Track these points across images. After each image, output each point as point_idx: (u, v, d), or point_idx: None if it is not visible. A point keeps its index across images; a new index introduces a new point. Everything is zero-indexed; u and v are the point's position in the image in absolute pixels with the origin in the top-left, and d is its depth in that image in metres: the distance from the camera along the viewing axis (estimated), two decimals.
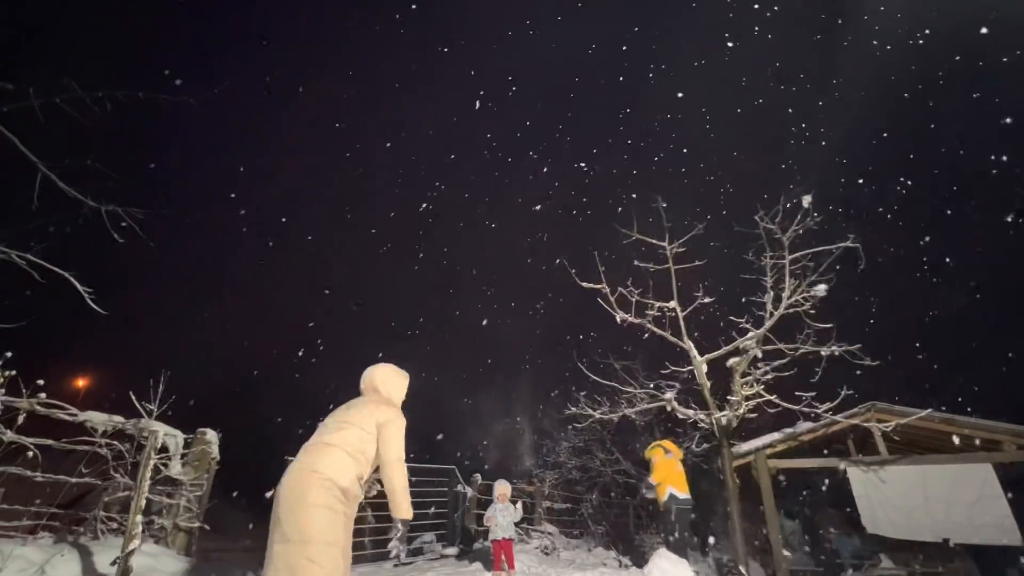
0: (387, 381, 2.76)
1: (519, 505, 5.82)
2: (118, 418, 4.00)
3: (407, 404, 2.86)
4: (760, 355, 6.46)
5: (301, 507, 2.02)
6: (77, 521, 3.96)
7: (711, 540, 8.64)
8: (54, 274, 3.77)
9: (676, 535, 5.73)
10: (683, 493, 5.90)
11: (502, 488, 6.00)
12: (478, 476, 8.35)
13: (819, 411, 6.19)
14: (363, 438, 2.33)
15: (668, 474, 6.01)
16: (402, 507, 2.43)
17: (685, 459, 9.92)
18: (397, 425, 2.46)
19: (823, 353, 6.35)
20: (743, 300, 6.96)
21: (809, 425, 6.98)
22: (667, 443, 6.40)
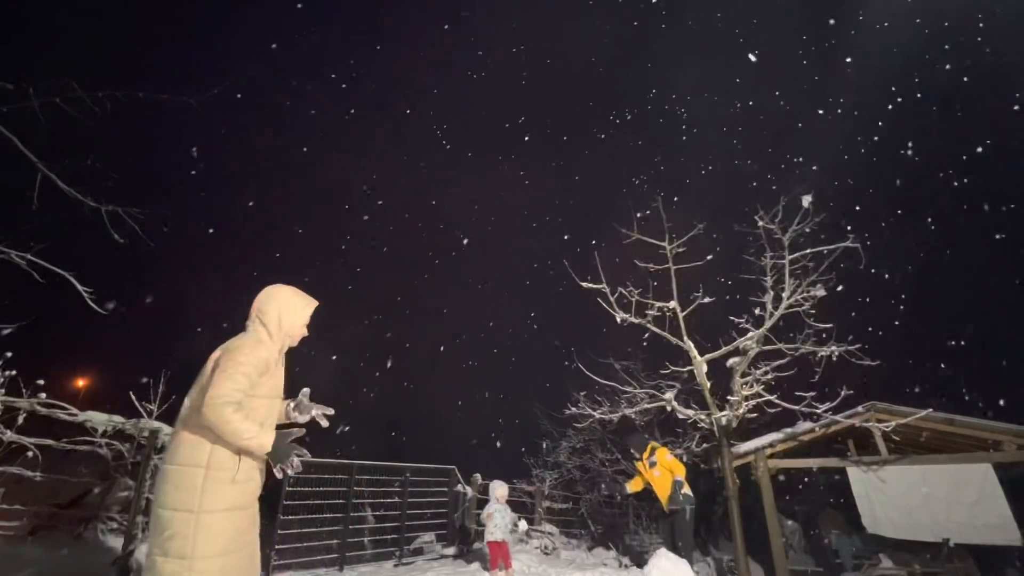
0: (271, 304, 2.02)
1: (522, 522, 5.81)
2: (118, 418, 4.00)
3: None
4: (756, 344, 6.41)
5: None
6: (77, 521, 3.96)
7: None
8: (54, 274, 3.77)
9: (688, 537, 5.70)
10: (690, 491, 5.89)
11: (500, 490, 5.99)
12: (478, 476, 8.34)
13: (819, 411, 6.19)
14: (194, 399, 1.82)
15: (681, 472, 5.92)
16: (251, 443, 1.70)
17: (685, 457, 9.96)
18: (243, 355, 1.78)
19: (823, 353, 6.35)
20: (740, 299, 6.97)
21: (809, 425, 6.98)
22: (655, 445, 6.36)
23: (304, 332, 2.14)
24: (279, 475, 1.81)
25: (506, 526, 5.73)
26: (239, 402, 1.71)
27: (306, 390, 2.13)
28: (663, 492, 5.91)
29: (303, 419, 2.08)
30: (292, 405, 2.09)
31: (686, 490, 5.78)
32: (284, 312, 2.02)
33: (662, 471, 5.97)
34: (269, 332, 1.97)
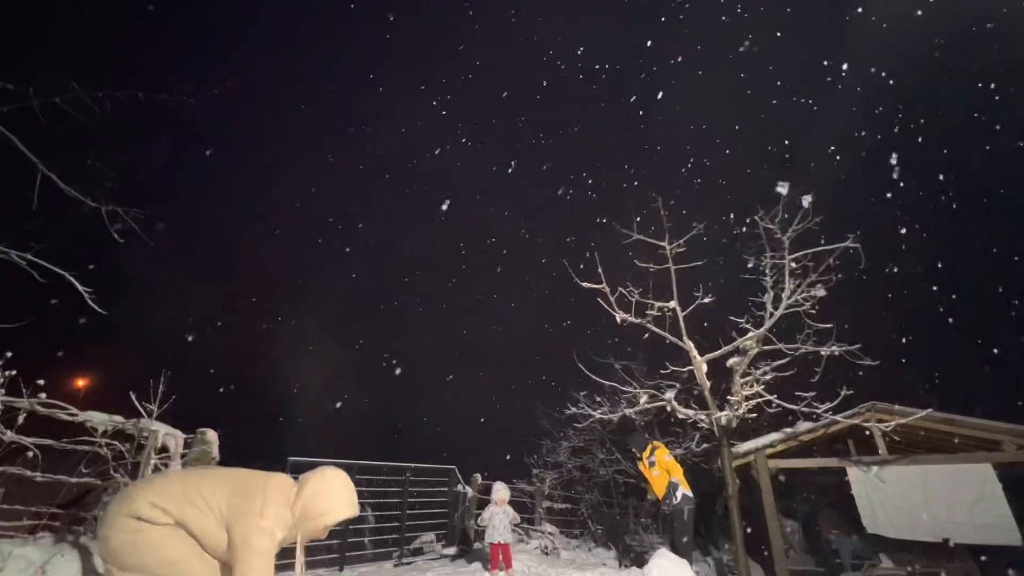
0: (316, 499, 1.84)
1: (515, 516, 5.85)
2: (118, 418, 4.00)
3: None
4: (754, 339, 6.41)
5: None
6: (77, 521, 3.96)
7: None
8: (54, 274, 3.78)
9: (687, 537, 5.67)
10: (690, 491, 5.85)
11: (500, 494, 6.00)
12: (478, 476, 8.35)
13: (819, 411, 6.19)
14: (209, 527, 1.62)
15: (678, 473, 5.91)
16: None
17: (685, 458, 9.96)
18: (262, 558, 1.61)
19: (823, 353, 6.35)
20: (740, 299, 6.97)
21: (809, 425, 6.98)
22: (657, 443, 6.31)
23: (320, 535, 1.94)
24: None
25: (506, 527, 5.74)
26: None
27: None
28: (661, 492, 5.91)
29: None
30: None
31: (684, 490, 5.76)
32: (321, 515, 1.83)
33: (660, 471, 5.96)
34: (292, 522, 1.80)
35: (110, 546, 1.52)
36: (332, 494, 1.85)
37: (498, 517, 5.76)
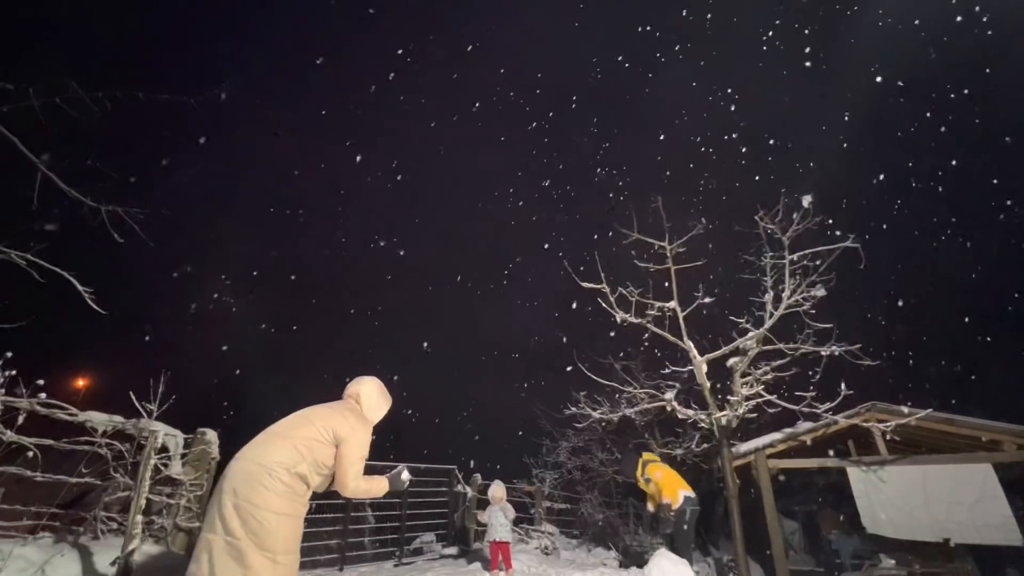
0: (371, 396, 2.60)
1: (512, 512, 5.88)
2: (118, 418, 4.00)
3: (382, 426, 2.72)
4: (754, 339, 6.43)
5: (254, 510, 1.91)
6: (77, 521, 3.96)
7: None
8: (54, 274, 3.77)
9: (684, 537, 5.64)
10: (691, 491, 5.81)
11: (496, 491, 5.99)
12: (478, 476, 8.35)
13: (819, 411, 6.19)
14: (317, 438, 2.16)
15: (672, 481, 5.89)
16: (373, 491, 2.37)
17: (685, 458, 9.96)
18: (358, 440, 2.27)
19: (823, 353, 6.35)
20: (740, 299, 6.97)
21: (809, 425, 6.98)
22: (648, 455, 6.34)
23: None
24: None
25: (504, 525, 5.74)
26: (359, 476, 2.28)
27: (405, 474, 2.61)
28: (671, 496, 5.79)
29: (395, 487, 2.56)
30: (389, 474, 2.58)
31: (685, 491, 5.72)
32: (375, 407, 2.60)
33: (657, 481, 5.93)
34: (368, 418, 2.53)
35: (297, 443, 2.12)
36: (379, 397, 2.64)
37: (497, 515, 5.76)
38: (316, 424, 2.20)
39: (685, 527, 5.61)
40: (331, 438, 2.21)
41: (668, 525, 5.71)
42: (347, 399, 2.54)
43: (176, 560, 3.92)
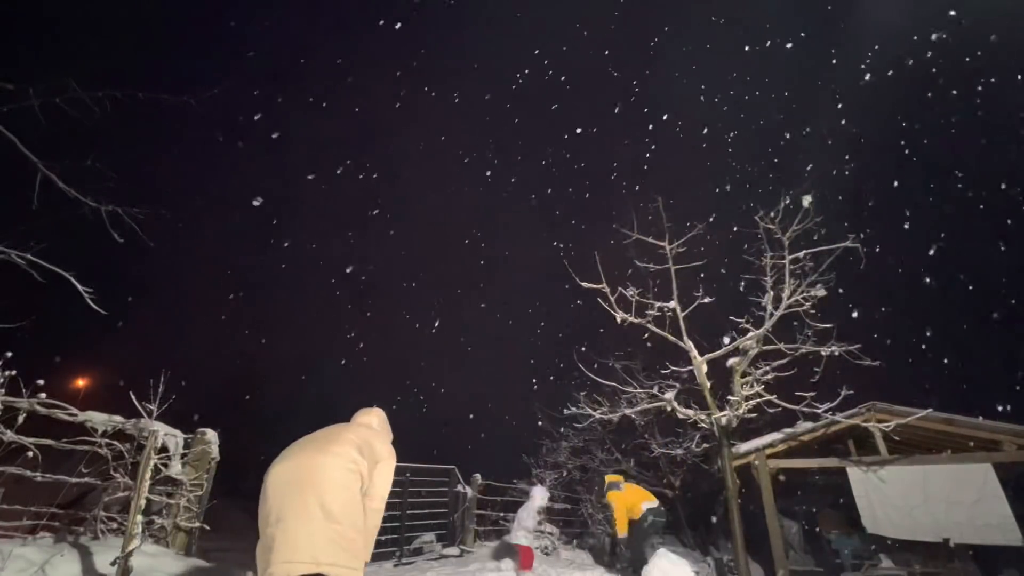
0: (386, 424, 2.73)
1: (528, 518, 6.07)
2: (118, 418, 4.00)
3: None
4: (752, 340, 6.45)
5: (332, 486, 1.96)
6: (77, 521, 3.96)
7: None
8: (54, 274, 3.77)
9: (642, 535, 5.91)
10: (653, 502, 6.07)
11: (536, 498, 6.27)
12: (478, 476, 8.35)
13: (819, 411, 6.19)
14: (362, 451, 2.20)
15: (631, 501, 6.09)
16: (367, 550, 2.24)
17: (685, 458, 9.95)
18: (390, 467, 2.41)
19: (823, 353, 6.35)
20: (740, 299, 6.97)
21: (809, 425, 6.98)
22: (610, 477, 6.52)
23: None
24: None
25: (523, 529, 5.89)
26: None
27: None
28: (622, 526, 6.03)
29: None
30: None
31: (648, 503, 5.99)
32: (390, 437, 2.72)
33: (619, 502, 6.11)
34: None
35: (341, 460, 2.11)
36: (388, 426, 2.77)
37: (519, 519, 5.96)
38: (360, 440, 2.28)
39: (645, 525, 5.91)
40: (366, 458, 2.23)
41: (622, 559, 6.05)
42: (367, 427, 2.57)
43: (176, 560, 3.92)
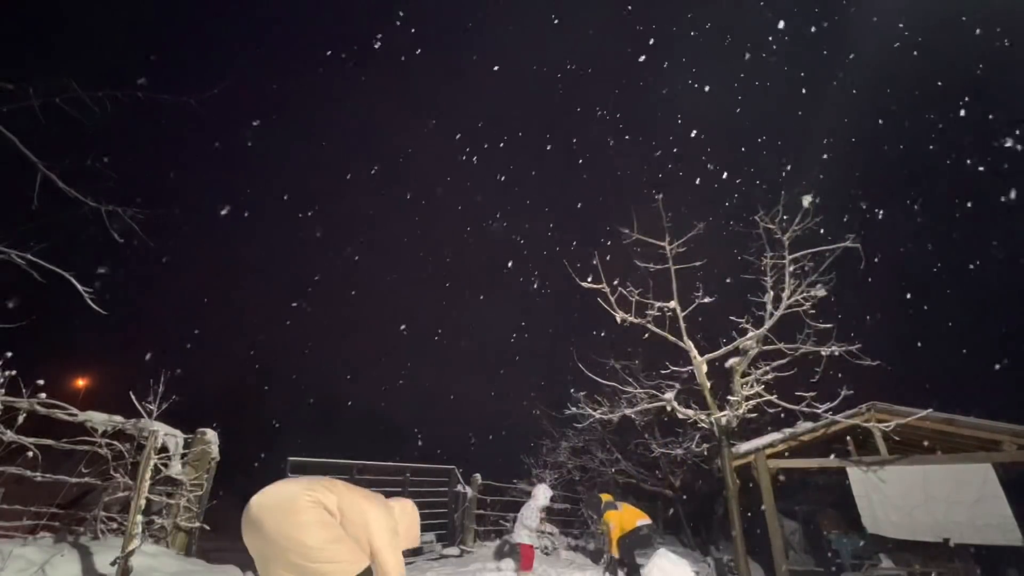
0: (405, 515, 2.56)
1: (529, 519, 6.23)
2: (118, 418, 4.00)
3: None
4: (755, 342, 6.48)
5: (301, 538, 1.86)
6: (77, 521, 3.96)
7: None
8: (54, 274, 3.77)
9: (638, 541, 6.23)
10: (646, 520, 6.36)
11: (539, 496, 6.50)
12: (478, 476, 8.34)
13: (819, 411, 6.18)
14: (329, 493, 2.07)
15: (625, 520, 6.33)
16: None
17: (685, 458, 9.95)
18: (397, 557, 2.22)
19: (823, 353, 6.34)
20: (740, 299, 6.97)
21: (809, 425, 6.97)
22: (605, 497, 6.80)
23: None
24: None
25: (526, 528, 5.94)
26: None
27: None
28: (639, 515, 6.42)
29: None
30: None
31: (642, 520, 6.28)
32: (413, 530, 2.61)
33: (614, 523, 6.35)
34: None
35: (302, 518, 1.92)
36: (413, 515, 2.64)
37: (521, 518, 6.03)
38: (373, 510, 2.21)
39: (641, 534, 6.25)
40: (364, 529, 2.15)
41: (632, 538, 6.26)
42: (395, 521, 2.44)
43: (176, 560, 3.92)
